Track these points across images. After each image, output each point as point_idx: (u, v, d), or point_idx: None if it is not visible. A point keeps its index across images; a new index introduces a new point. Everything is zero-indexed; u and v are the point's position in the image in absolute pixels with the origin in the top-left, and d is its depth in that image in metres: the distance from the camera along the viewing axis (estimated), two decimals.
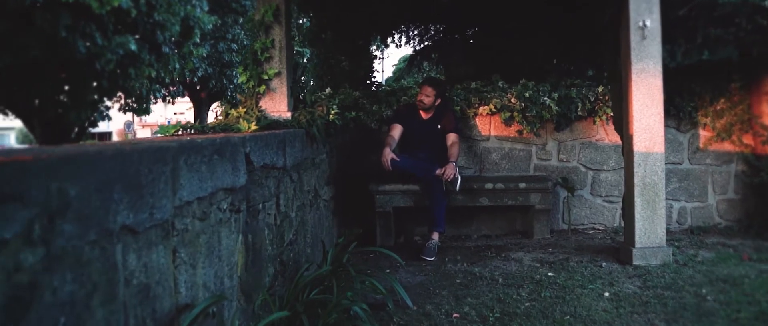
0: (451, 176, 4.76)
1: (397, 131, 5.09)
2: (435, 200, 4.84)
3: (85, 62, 10.90)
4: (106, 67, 11.18)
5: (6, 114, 14.69)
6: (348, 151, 5.56)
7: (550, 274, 4.01)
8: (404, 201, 5.09)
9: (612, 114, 5.35)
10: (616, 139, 5.47)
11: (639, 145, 4.15)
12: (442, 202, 4.85)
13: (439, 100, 5.05)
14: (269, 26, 4.17)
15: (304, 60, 11.76)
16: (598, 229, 5.45)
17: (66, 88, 12.05)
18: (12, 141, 48.11)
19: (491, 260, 4.48)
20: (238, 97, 4.28)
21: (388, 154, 4.81)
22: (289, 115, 4.22)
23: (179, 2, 12.40)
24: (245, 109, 4.17)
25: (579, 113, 5.37)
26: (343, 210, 5.43)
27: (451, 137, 5.07)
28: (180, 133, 3.20)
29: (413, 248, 5.01)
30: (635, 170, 4.16)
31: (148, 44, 12.16)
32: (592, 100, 5.36)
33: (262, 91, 4.18)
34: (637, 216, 4.16)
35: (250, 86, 4.19)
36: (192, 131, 3.19)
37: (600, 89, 5.35)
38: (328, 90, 5.26)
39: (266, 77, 4.16)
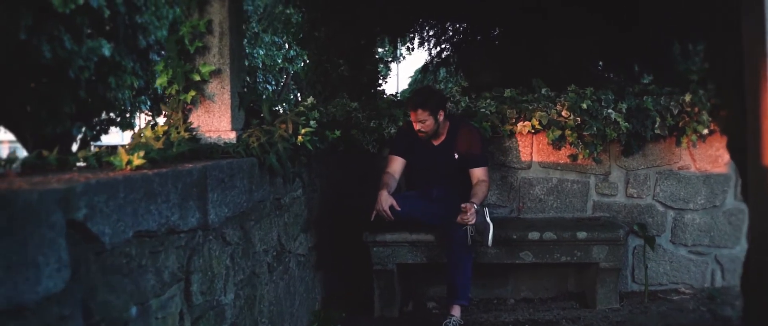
0: (470, 220, 3.27)
1: (396, 166, 3.61)
2: (455, 258, 3.34)
3: (56, 70, 9.57)
4: (81, 75, 9.85)
5: None
6: (336, 183, 4.09)
7: None
8: (413, 257, 3.60)
9: (703, 133, 3.84)
10: (705, 166, 3.95)
11: None
12: (467, 262, 3.36)
13: (442, 115, 3.55)
14: (204, 0, 2.73)
15: None
16: (685, 293, 3.90)
17: (38, 98, 10.69)
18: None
19: None
20: (162, 108, 2.81)
21: (386, 200, 3.33)
22: (233, 135, 2.76)
23: (167, 5, 11.06)
24: (167, 127, 2.72)
25: (656, 131, 3.85)
26: (330, 263, 3.95)
27: (477, 174, 3.56)
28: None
29: (425, 321, 3.53)
30: None
31: (133, 51, 10.84)
32: (676, 112, 3.84)
33: (190, 100, 2.72)
34: None
35: (174, 92, 2.74)
36: (9, 166, 1.76)
37: (687, 98, 3.83)
38: (309, 99, 3.80)
39: (198, 78, 2.70)
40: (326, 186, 3.90)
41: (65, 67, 9.51)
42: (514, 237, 3.51)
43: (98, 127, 13.23)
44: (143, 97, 12.01)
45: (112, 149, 2.14)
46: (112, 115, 11.99)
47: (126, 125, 11.92)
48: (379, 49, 14.70)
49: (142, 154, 1.93)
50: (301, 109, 3.45)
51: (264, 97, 3.08)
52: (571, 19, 6.45)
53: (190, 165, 2.10)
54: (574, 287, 3.96)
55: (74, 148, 13.96)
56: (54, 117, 10.95)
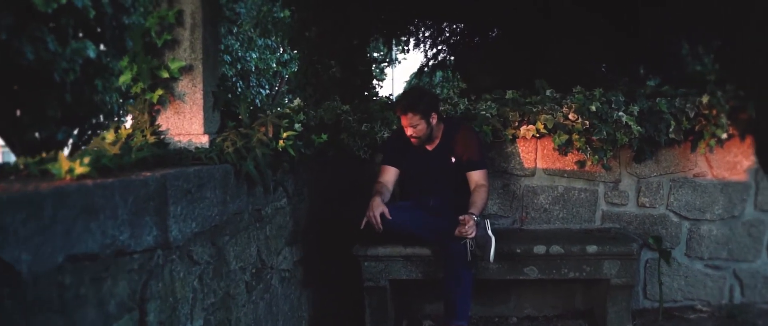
0: (469, 234, 2.97)
1: (389, 175, 3.32)
2: (454, 274, 3.05)
3: (40, 72, 9.25)
4: (67, 78, 9.52)
5: None
6: (325, 192, 3.79)
7: None
8: (407, 272, 3.30)
9: (722, 137, 3.55)
10: (723, 173, 3.67)
11: None
12: (466, 278, 3.06)
13: (435, 118, 3.25)
14: None
15: None
16: (702, 311, 3.61)
17: (21, 102, 10.36)
18: None
19: None
20: (129, 109, 2.53)
21: (377, 207, 3.03)
22: (206, 139, 2.46)
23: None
24: (132, 130, 2.42)
25: (671, 135, 3.57)
26: (318, 278, 3.65)
27: (475, 177, 3.27)
28: None
29: None
30: None
31: (120, 52, 10.51)
32: (692, 115, 3.56)
33: (156, 99, 2.42)
34: None
35: (139, 90, 2.44)
36: None
37: (704, 99, 3.55)
38: (296, 101, 3.52)
39: (166, 75, 2.41)
40: (314, 195, 3.60)
41: (49, 69, 9.20)
42: (518, 251, 3.22)
43: (89, 131, 12.90)
44: (131, 100, 11.68)
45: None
46: (102, 118, 11.65)
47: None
48: (374, 53, 14.40)
49: (86, 160, 1.63)
50: (287, 111, 3.16)
51: (242, 96, 2.78)
52: (572, 20, 6.18)
53: (148, 174, 1.81)
54: (582, 304, 3.67)
55: (66, 152, 13.59)
56: (38, 121, 10.63)
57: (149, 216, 1.74)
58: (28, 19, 8.54)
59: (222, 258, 2.32)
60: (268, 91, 17.94)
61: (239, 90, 15.39)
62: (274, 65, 17.34)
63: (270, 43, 16.50)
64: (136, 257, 1.68)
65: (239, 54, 15.48)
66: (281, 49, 17.03)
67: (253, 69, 16.47)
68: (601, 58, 6.76)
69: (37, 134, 10.98)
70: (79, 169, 1.59)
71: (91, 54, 9.18)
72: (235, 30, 15.67)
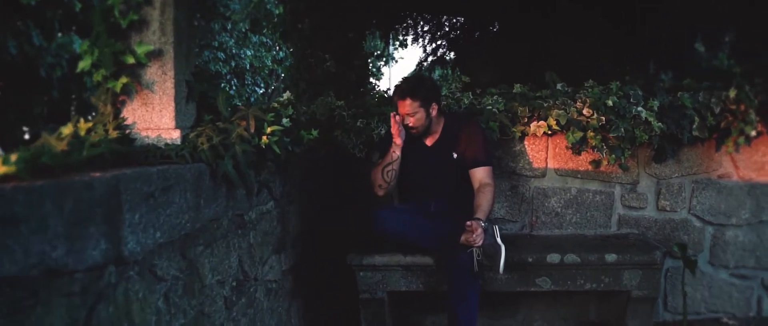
0: (477, 242, 2.67)
1: None
2: (458, 287, 2.74)
3: (25, 68, 8.93)
4: (53, 73, 9.21)
5: None
6: (317, 193, 3.48)
7: None
8: (406, 283, 2.99)
9: (751, 134, 3.26)
10: (750, 174, 3.38)
11: None
12: (472, 291, 2.75)
13: (435, 109, 2.97)
14: None
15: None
16: (728, 324, 3.31)
17: (5, 98, 10.03)
18: None
19: None
20: (93, 100, 2.22)
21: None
22: (177, 134, 2.15)
23: None
24: (92, 124, 2.11)
25: (694, 133, 3.27)
26: (310, 289, 3.34)
27: (479, 174, 2.97)
28: None
29: None
30: None
31: None
32: (718, 111, 3.26)
33: (119, 88, 2.11)
34: None
35: (100, 78, 2.14)
36: None
37: (731, 93, 3.25)
38: (286, 94, 3.22)
39: (132, 61, 2.10)
40: (305, 198, 3.29)
41: (35, 64, 8.88)
42: (530, 260, 2.91)
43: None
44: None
45: None
46: (91, 115, 11.32)
47: None
48: (373, 52, 14.09)
49: (14, 158, 1.32)
50: (275, 105, 2.84)
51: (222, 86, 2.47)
52: (575, 15, 5.90)
53: (98, 175, 1.50)
54: (596, 316, 3.36)
55: None
56: (24, 118, 10.30)
57: (95, 227, 1.43)
58: (11, 13, 8.22)
59: (195, 272, 2.01)
60: (263, 90, 17.61)
61: (234, 88, 15.08)
62: (269, 63, 17.01)
63: (265, 40, 16.18)
64: (77, 277, 1.38)
65: (234, 51, 15.16)
66: (277, 47, 16.71)
67: (248, 67, 16.15)
68: (600, 55, 6.47)
69: (25, 133, 10.64)
70: (2, 169, 1.28)
71: (78, 48, 8.85)
72: (229, 26, 15.35)
